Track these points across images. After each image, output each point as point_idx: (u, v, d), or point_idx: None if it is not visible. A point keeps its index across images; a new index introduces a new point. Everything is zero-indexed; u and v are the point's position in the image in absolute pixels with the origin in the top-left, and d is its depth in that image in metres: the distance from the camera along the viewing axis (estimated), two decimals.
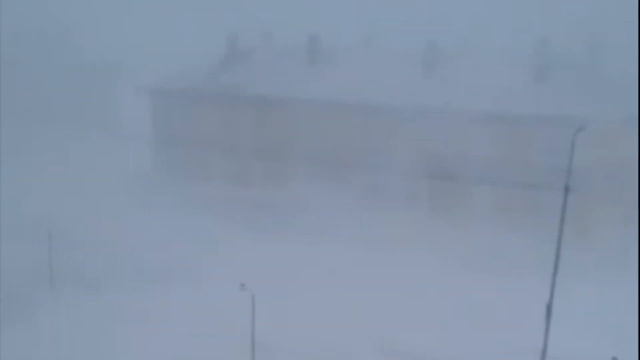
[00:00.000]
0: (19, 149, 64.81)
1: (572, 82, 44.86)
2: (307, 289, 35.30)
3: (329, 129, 50.78)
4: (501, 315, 32.54)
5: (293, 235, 44.19)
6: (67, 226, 41.99)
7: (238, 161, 54.57)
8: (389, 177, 48.58)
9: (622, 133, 41.92)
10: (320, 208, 47.37)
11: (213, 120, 55.53)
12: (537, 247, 35.24)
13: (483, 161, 45.46)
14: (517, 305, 32.94)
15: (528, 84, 46.10)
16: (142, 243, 42.08)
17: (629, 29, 54.73)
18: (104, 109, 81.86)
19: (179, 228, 45.32)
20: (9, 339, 29.91)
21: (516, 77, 46.74)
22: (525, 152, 44.41)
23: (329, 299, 34.30)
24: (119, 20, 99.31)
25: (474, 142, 45.72)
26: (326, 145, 50.95)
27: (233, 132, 54.63)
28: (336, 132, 50.52)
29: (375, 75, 50.79)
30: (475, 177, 45.60)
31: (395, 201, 47.67)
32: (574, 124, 27.56)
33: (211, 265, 38.75)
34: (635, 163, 41.91)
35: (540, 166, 43.31)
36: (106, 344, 29.52)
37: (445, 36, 53.82)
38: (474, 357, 29.04)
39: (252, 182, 53.31)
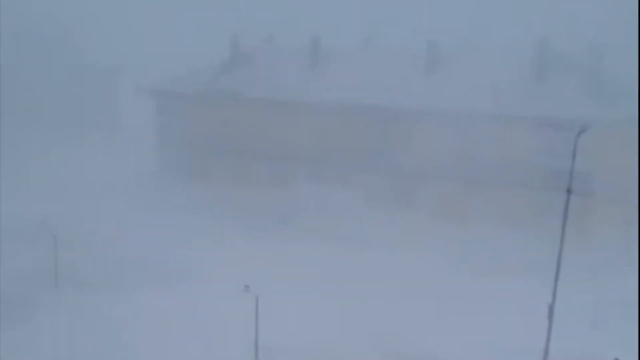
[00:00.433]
0: (22, 151, 64.95)
1: (572, 83, 45.03)
2: (311, 290, 35.46)
3: (330, 130, 50.92)
4: (503, 315, 32.65)
5: (295, 235, 44.33)
6: (72, 228, 42.06)
7: (241, 162, 54.69)
8: (390, 178, 48.73)
9: (623, 134, 42.03)
10: (322, 208, 47.56)
11: (215, 121, 55.65)
12: (539, 248, 35.49)
13: (483, 162, 45.60)
14: (519, 305, 33.05)
15: (528, 85, 46.27)
16: (145, 244, 42.18)
17: (629, 31, 54.87)
18: (106, 110, 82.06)
19: (182, 229, 45.46)
20: (14, 339, 30.04)
21: (516, 77, 46.93)
22: (525, 154, 44.59)
23: (332, 300, 34.45)
24: (121, 22, 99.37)
25: (474, 143, 45.88)
26: (328, 146, 51.09)
27: (235, 134, 54.74)
28: (337, 133, 50.65)
29: (376, 77, 50.95)
30: (476, 177, 45.74)
31: (396, 201, 47.82)
32: (575, 126, 27.77)
33: (215, 266, 38.83)
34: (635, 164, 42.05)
35: (540, 168, 43.48)
36: (110, 345, 29.59)
37: (446, 37, 53.98)
38: (478, 358, 29.18)
39: (255, 183, 53.42)
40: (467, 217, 45.40)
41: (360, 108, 49.63)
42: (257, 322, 26.87)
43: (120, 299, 34.52)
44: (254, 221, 47.55)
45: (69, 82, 79.48)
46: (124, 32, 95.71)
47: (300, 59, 55.78)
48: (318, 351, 29.53)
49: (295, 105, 52.06)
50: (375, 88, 49.74)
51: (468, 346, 29.83)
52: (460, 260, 40.25)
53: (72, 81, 79.80)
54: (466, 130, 45.90)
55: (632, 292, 34.00)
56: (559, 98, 44.11)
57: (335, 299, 34.56)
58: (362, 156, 49.94)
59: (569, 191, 25.46)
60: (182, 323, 31.76)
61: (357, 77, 51.67)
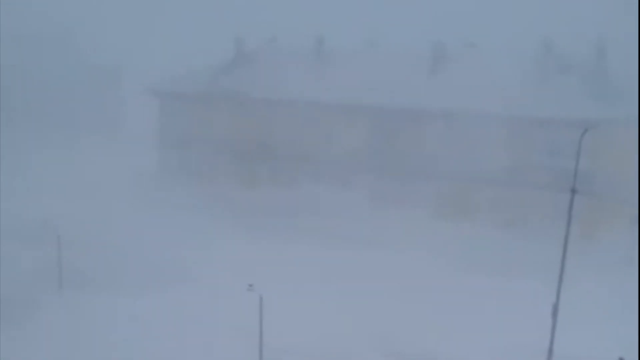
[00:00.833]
0: (25, 152, 65.02)
1: (576, 83, 45.03)
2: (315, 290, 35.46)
3: (333, 131, 50.98)
4: (508, 315, 32.61)
5: (297, 235, 44.29)
6: (75, 228, 42.06)
7: (243, 163, 54.74)
8: (393, 178, 48.75)
9: (627, 134, 42.04)
10: (325, 209, 47.55)
11: (219, 122, 55.72)
12: (543, 248, 35.46)
13: (487, 162, 45.59)
14: (523, 305, 33.01)
15: (532, 85, 46.27)
16: (149, 244, 42.17)
17: (633, 31, 54.80)
18: (108, 110, 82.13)
19: (185, 229, 45.45)
20: (17, 339, 30.08)
21: (520, 77, 46.94)
22: (530, 154, 44.63)
23: (335, 299, 34.44)
24: (123, 22, 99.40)
25: (478, 143, 45.89)
26: (330, 146, 51.14)
27: (239, 134, 54.79)
28: (340, 133, 50.71)
29: (380, 77, 50.96)
30: (480, 178, 45.73)
31: (399, 201, 47.81)
32: (579, 126, 27.77)
33: (217, 266, 38.84)
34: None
35: (544, 167, 43.48)
36: (114, 346, 29.61)
37: (449, 37, 53.99)
38: (481, 358, 29.16)
39: (258, 184, 53.47)
40: (471, 217, 45.39)
41: (363, 108, 49.67)
42: (261, 321, 26.85)
43: (123, 299, 34.50)
44: (256, 221, 47.53)
45: (70, 82, 79.56)
46: (126, 32, 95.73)
47: (304, 59, 55.82)
48: (321, 350, 29.54)
49: (298, 105, 52.09)
50: (378, 88, 49.78)
51: (471, 346, 29.82)
52: (463, 260, 40.17)
53: (74, 81, 79.89)
54: (469, 130, 45.92)
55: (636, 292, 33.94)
56: (562, 98, 44.09)
57: (338, 299, 34.51)
58: (365, 156, 49.99)
59: (573, 191, 25.43)
60: (186, 323, 31.76)
61: (360, 78, 51.71)
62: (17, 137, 68.68)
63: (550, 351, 25.75)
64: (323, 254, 41.04)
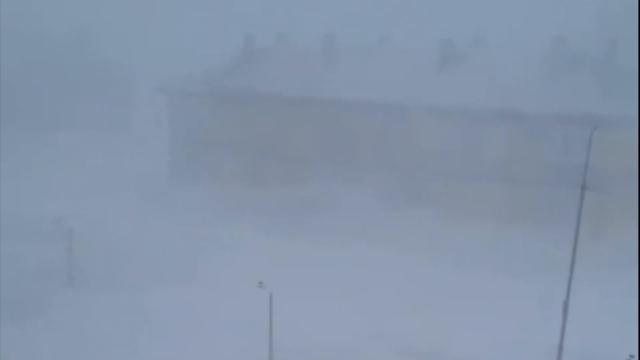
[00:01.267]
0: (36, 151, 65.30)
1: (587, 80, 44.85)
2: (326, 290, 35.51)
3: (344, 128, 50.94)
4: (519, 313, 32.57)
5: (308, 234, 44.27)
6: (85, 226, 42.25)
7: (254, 161, 54.76)
8: (403, 176, 48.67)
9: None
10: (336, 207, 47.52)
11: (229, 120, 55.73)
12: (553, 245, 35.40)
13: (498, 160, 45.51)
14: (534, 302, 32.94)
15: (543, 82, 46.13)
16: (159, 243, 42.30)
17: None
18: (119, 110, 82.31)
19: (196, 228, 45.56)
20: (26, 337, 30.30)
21: (531, 74, 46.81)
22: (541, 150, 44.52)
23: (345, 297, 34.48)
24: (133, 21, 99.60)
25: (489, 141, 45.81)
26: (341, 144, 51.12)
27: (249, 133, 54.82)
28: (351, 131, 50.66)
29: (390, 74, 50.88)
30: (490, 175, 45.64)
31: (410, 200, 47.70)
32: (590, 122, 27.66)
33: (228, 264, 38.95)
34: None
35: (555, 164, 43.36)
36: (124, 343, 29.74)
37: (460, 34, 53.86)
38: (492, 355, 29.14)
39: (269, 182, 53.46)
40: (481, 215, 45.28)
41: (374, 106, 49.59)
42: (272, 319, 26.90)
43: (133, 297, 34.67)
44: (267, 220, 47.55)
45: (82, 81, 79.68)
46: (136, 30, 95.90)
47: (314, 56, 55.78)
48: (331, 348, 29.60)
49: (309, 103, 52.09)
50: (389, 86, 49.67)
51: (482, 344, 29.78)
52: (474, 258, 40.08)
53: (85, 80, 79.98)
54: (481, 128, 45.84)
55: None
56: (573, 94, 43.92)
57: (348, 297, 34.57)
58: (376, 154, 49.91)
59: (583, 187, 25.37)
60: (196, 321, 31.87)
61: (371, 75, 51.62)
62: (28, 136, 68.94)
63: (561, 348, 25.68)
64: (335, 252, 41.13)
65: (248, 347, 28.94)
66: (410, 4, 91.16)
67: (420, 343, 30.21)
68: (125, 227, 45.52)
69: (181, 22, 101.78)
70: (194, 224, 46.26)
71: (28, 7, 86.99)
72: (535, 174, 44.32)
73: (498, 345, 29.39)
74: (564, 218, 34.05)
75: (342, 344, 30.06)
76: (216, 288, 35.57)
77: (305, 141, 52.21)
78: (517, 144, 45.12)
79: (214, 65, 59.51)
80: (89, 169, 59.85)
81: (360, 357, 29.39)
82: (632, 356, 22.38)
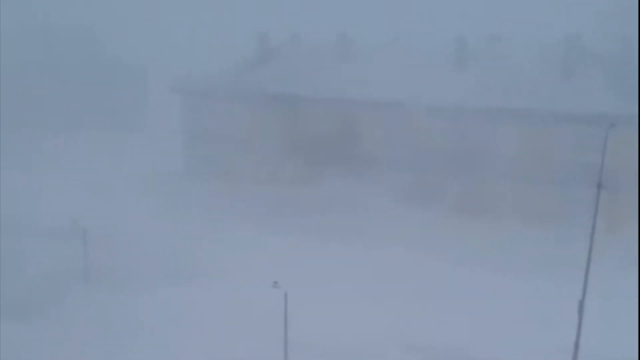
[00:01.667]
0: (53, 150, 65.63)
1: (601, 79, 44.70)
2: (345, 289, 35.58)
3: (358, 127, 50.93)
4: (534, 312, 32.54)
5: (322, 233, 44.29)
6: (101, 225, 42.51)
7: (268, 160, 54.82)
8: (418, 175, 48.62)
9: None
10: (349, 206, 47.54)
11: (243, 119, 55.79)
12: (568, 244, 35.33)
13: (513, 158, 45.42)
14: (549, 302, 32.92)
15: (557, 81, 46.01)
16: (174, 242, 42.48)
17: None
18: (134, 108, 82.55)
19: (210, 227, 45.69)
20: (43, 334, 30.55)
21: (545, 73, 46.69)
22: (554, 149, 44.39)
23: (358, 296, 34.54)
24: (148, 20, 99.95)
25: (503, 140, 45.73)
26: (355, 143, 51.10)
27: (263, 131, 54.88)
28: (365, 129, 50.66)
29: (404, 73, 50.81)
30: (505, 174, 45.57)
31: (424, 198, 47.67)
32: (604, 121, 27.59)
33: (243, 263, 39.07)
34: None
35: (570, 163, 43.23)
36: (139, 339, 29.91)
37: (474, 33, 53.71)
38: (507, 354, 29.12)
39: (282, 181, 53.53)
40: (496, 213, 45.22)
41: (388, 104, 49.53)
42: (286, 318, 26.99)
43: (148, 294, 34.84)
44: (281, 219, 47.63)
45: (97, 81, 80.00)
46: (150, 30, 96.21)
47: (328, 55, 55.80)
48: (345, 346, 29.67)
49: (322, 102, 52.08)
50: (403, 84, 49.62)
51: (497, 343, 29.77)
52: (490, 257, 40.05)
53: (100, 79, 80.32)
54: (495, 126, 45.75)
55: None
56: (587, 94, 43.79)
57: (361, 296, 34.63)
58: (390, 153, 49.87)
59: (599, 186, 25.31)
60: (212, 320, 32.00)
61: (385, 74, 51.59)
62: (43, 135, 69.32)
63: (577, 346, 25.66)
64: (349, 251, 41.19)
65: (263, 342, 29.12)
66: (424, 3, 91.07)
67: (435, 341, 30.25)
68: (139, 225, 45.69)
69: (195, 22, 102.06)
70: (209, 223, 46.39)
71: (42, 5, 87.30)
72: (551, 173, 44.19)
73: (512, 343, 29.43)
74: (578, 217, 34.08)
75: (355, 341, 30.15)
76: (231, 286, 35.73)
77: (320, 139, 52.16)
78: (532, 142, 44.97)
79: (229, 64, 59.54)
80: (104, 167, 60.10)
81: (373, 354, 29.46)
82: None
